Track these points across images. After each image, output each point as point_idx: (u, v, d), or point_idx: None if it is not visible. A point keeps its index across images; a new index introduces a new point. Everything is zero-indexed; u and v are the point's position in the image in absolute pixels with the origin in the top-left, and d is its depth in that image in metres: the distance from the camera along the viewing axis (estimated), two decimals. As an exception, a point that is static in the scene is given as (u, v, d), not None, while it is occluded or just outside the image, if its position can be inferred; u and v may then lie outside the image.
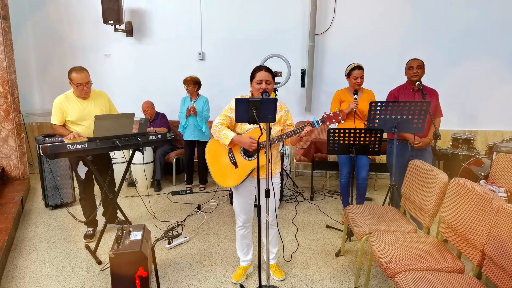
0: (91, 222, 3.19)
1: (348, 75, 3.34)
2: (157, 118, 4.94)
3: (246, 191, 2.38)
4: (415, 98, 3.17)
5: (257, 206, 2.06)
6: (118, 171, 3.99)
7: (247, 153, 2.31)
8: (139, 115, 4.46)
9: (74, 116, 2.92)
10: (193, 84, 4.33)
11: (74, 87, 2.89)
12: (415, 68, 3.11)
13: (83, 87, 2.88)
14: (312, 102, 5.26)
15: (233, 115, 2.24)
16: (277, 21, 5.13)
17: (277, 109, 2.30)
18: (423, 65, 3.15)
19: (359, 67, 3.29)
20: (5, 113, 4.32)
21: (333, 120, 2.22)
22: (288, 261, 2.80)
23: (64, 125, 2.96)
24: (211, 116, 4.48)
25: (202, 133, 4.41)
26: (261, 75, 2.21)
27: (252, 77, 2.26)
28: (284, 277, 2.55)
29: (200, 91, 4.47)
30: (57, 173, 3.85)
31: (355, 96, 3.26)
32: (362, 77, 3.29)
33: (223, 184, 2.34)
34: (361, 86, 3.38)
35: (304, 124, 2.21)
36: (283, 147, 5.19)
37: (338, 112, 2.22)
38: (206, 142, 4.46)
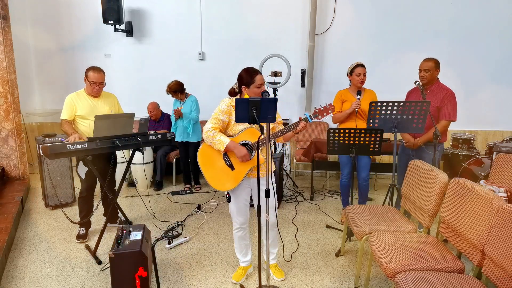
0: (84, 222, 3.20)
1: (351, 73, 3.33)
2: (163, 119, 4.94)
3: (242, 192, 2.37)
4: (424, 99, 3.15)
5: (257, 206, 2.06)
6: (118, 171, 3.99)
7: None
8: (139, 115, 4.47)
9: (84, 111, 3.02)
10: (173, 92, 4.29)
11: (88, 84, 3.03)
12: (423, 71, 3.10)
13: (96, 85, 3.02)
14: (312, 102, 5.26)
15: (224, 117, 2.25)
16: (277, 21, 5.13)
17: None
18: (435, 66, 3.07)
19: (362, 65, 3.29)
20: (5, 113, 4.32)
21: (325, 113, 2.30)
22: (288, 261, 2.80)
23: (73, 121, 3.04)
24: (205, 115, 4.46)
25: (189, 134, 4.39)
26: (260, 78, 2.25)
27: (251, 81, 2.23)
28: (284, 277, 2.55)
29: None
30: (57, 173, 3.85)
31: (358, 96, 3.26)
32: (364, 75, 3.29)
33: (220, 188, 2.31)
34: (363, 86, 3.38)
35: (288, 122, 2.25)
36: (283, 147, 5.19)
37: (327, 105, 2.30)
38: (197, 142, 4.47)
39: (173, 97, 4.37)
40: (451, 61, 4.93)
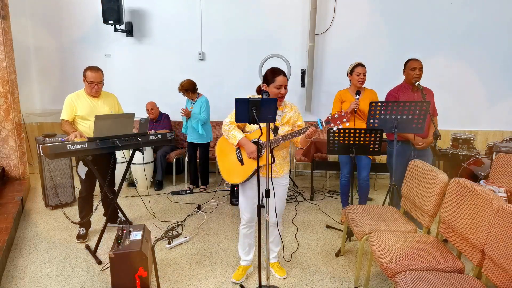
0: (84, 222, 3.20)
1: (351, 72, 3.33)
2: (161, 119, 4.95)
3: (252, 189, 2.39)
4: (415, 98, 3.17)
5: (257, 206, 2.06)
6: (118, 171, 3.99)
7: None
8: (139, 115, 4.46)
9: (84, 112, 3.02)
10: (185, 91, 4.27)
11: (86, 84, 3.03)
12: (418, 69, 3.10)
13: (94, 85, 3.01)
14: (312, 102, 5.26)
15: None
16: (277, 21, 5.13)
17: (287, 110, 2.35)
18: (422, 65, 3.15)
19: (362, 65, 3.30)
20: (5, 113, 4.32)
21: (338, 121, 2.21)
22: (288, 261, 2.80)
23: (73, 122, 3.04)
24: (211, 117, 4.45)
25: (199, 135, 4.38)
26: (282, 80, 2.23)
27: (271, 80, 2.24)
28: (287, 275, 2.55)
29: (199, 91, 4.44)
30: (57, 173, 3.85)
31: (357, 96, 3.26)
32: (364, 74, 3.29)
33: (230, 180, 2.39)
34: (364, 86, 3.38)
35: (307, 124, 2.23)
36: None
37: (343, 113, 2.21)
38: (206, 143, 4.46)
39: (184, 95, 4.35)
40: (451, 60, 4.93)
